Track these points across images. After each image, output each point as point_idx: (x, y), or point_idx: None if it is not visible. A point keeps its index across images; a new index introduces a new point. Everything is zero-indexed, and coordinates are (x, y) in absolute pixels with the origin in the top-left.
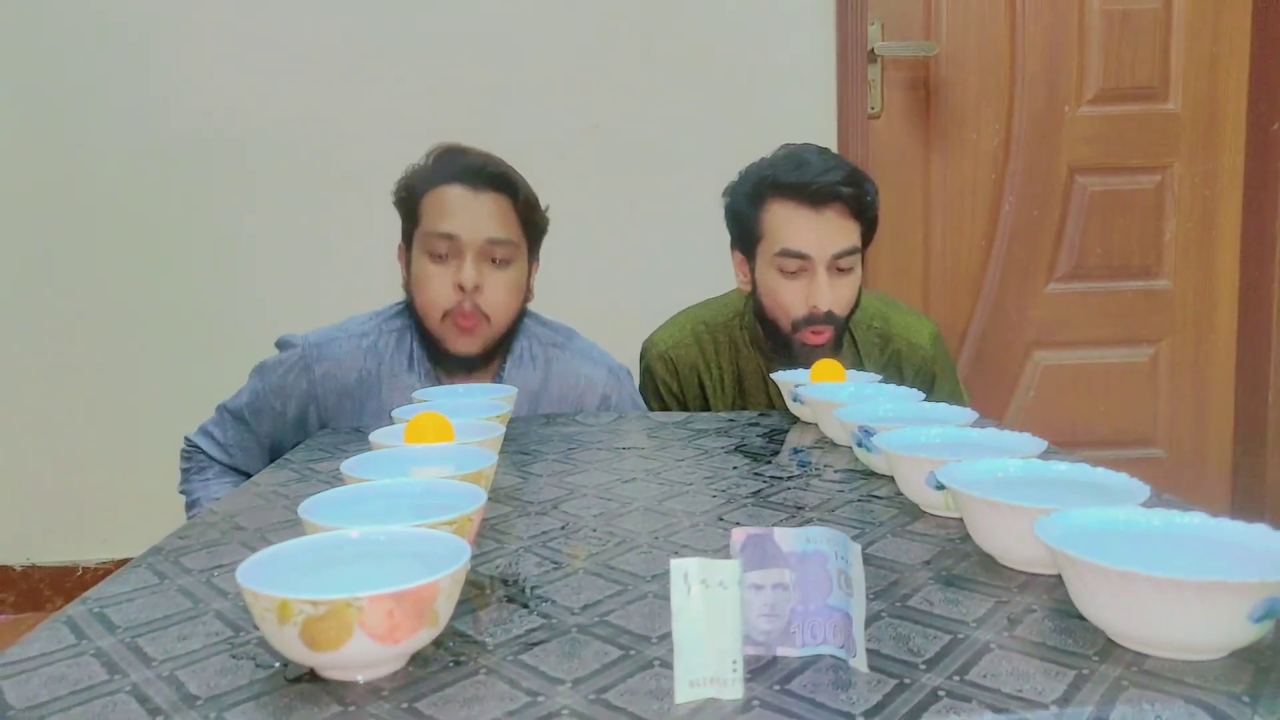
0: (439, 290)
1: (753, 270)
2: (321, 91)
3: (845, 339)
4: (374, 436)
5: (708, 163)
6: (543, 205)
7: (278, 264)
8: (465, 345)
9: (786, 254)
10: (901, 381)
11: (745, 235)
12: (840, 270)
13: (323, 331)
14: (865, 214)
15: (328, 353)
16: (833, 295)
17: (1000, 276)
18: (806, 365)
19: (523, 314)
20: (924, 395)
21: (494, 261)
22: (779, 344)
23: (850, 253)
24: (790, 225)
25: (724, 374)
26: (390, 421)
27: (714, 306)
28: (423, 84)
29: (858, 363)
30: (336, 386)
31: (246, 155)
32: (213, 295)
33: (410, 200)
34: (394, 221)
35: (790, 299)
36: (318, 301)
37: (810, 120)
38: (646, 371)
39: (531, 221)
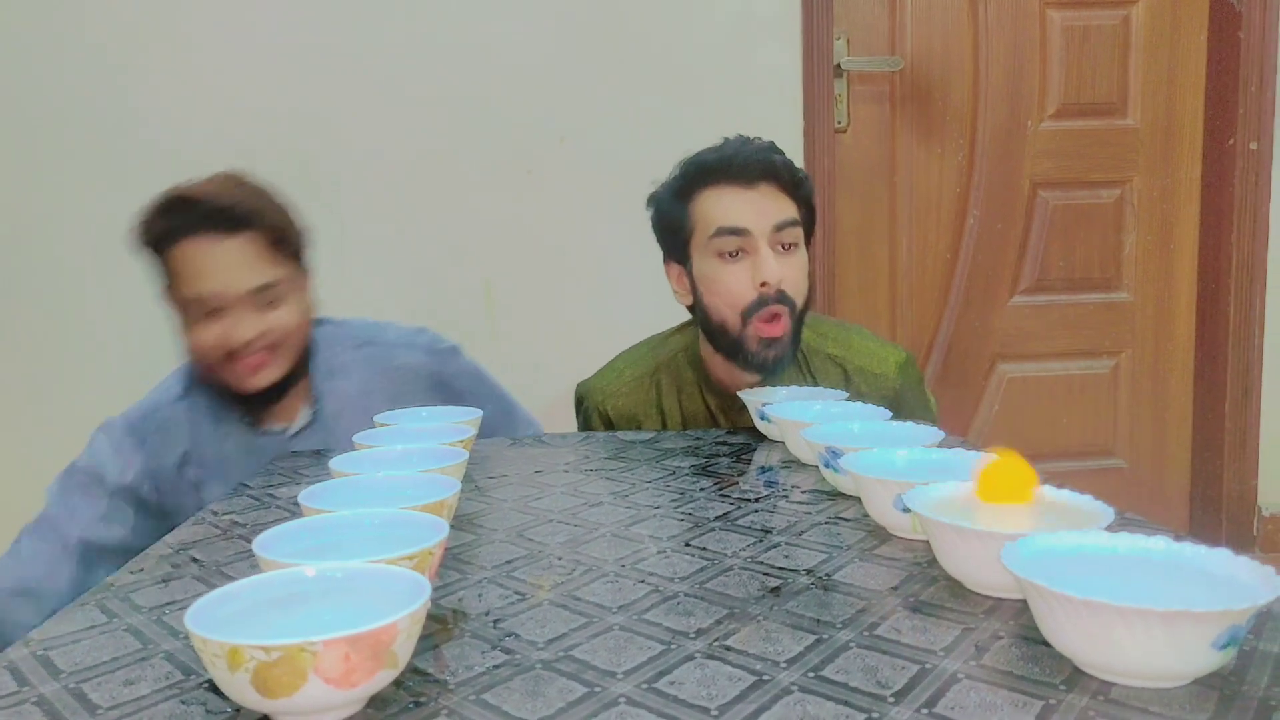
0: (213, 347)
1: (690, 275)
2: (283, 106)
3: (800, 364)
4: (335, 464)
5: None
6: (512, 220)
7: None
8: (260, 379)
9: (723, 232)
10: None
11: (676, 237)
12: (784, 247)
13: (130, 413)
14: (800, 191)
15: (156, 422)
16: (780, 270)
17: (965, 290)
18: (764, 367)
19: (310, 331)
20: (890, 415)
21: (267, 304)
22: (730, 351)
23: (791, 224)
24: (722, 205)
25: (666, 419)
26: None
27: (653, 346)
28: (384, 99)
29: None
30: (175, 457)
31: (215, 166)
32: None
33: (154, 251)
34: (365, 231)
35: (734, 283)
36: None
37: (777, 134)
38: (583, 420)
39: (289, 247)
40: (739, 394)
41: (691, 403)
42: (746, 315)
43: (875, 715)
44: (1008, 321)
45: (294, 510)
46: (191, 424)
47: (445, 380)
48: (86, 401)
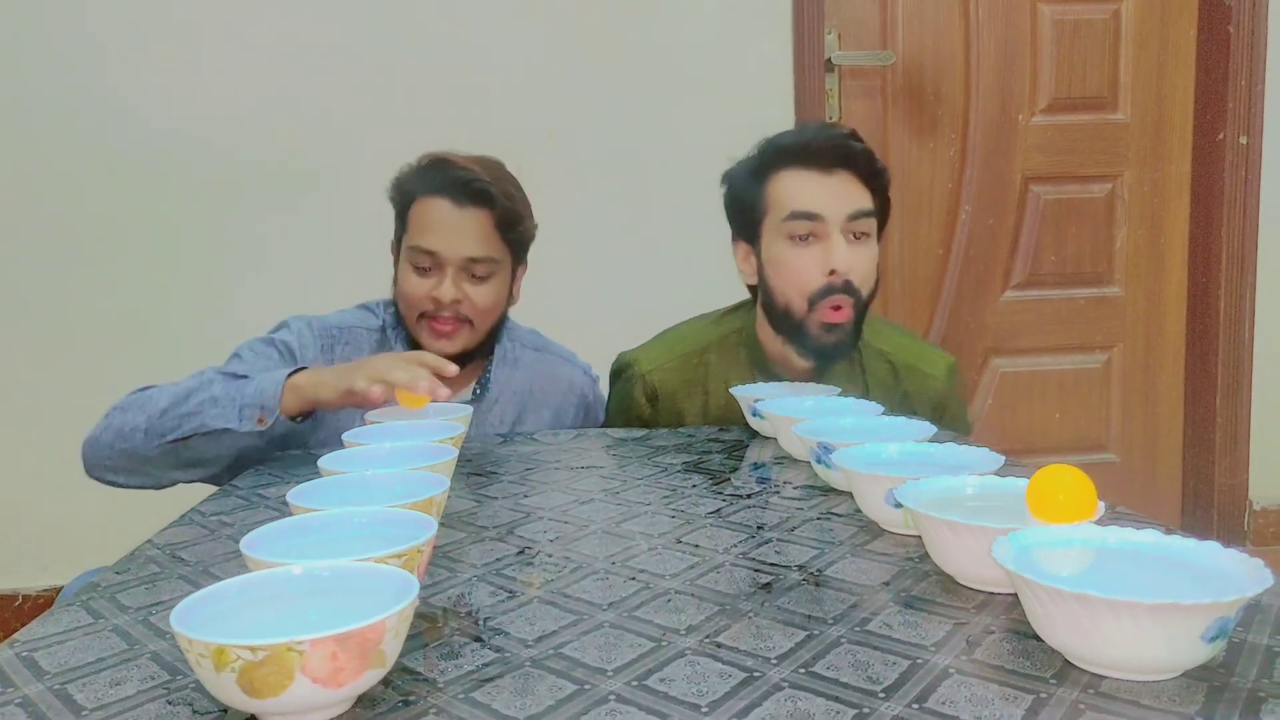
0: (418, 298)
1: (758, 255)
2: (273, 101)
3: (853, 360)
4: (323, 462)
5: (667, 171)
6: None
7: (236, 279)
8: (442, 346)
9: (796, 216)
10: (912, 414)
11: (748, 216)
12: (856, 236)
13: (333, 317)
14: (877, 181)
15: (350, 338)
16: (851, 259)
17: (957, 284)
18: (824, 353)
19: (504, 318)
20: (882, 410)
21: (474, 276)
22: (791, 334)
23: (866, 215)
24: (798, 188)
25: (709, 400)
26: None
27: (708, 325)
28: (375, 95)
29: (865, 390)
30: None
31: (211, 163)
32: (163, 310)
33: (401, 202)
34: (355, 226)
35: (804, 268)
36: (280, 317)
37: (767, 129)
38: (623, 389)
39: (514, 235)
40: (730, 391)
41: (740, 384)
42: (813, 301)
43: (866, 711)
44: (1000, 316)
45: (282, 510)
46: (375, 354)
47: (590, 404)
48: (82, 399)
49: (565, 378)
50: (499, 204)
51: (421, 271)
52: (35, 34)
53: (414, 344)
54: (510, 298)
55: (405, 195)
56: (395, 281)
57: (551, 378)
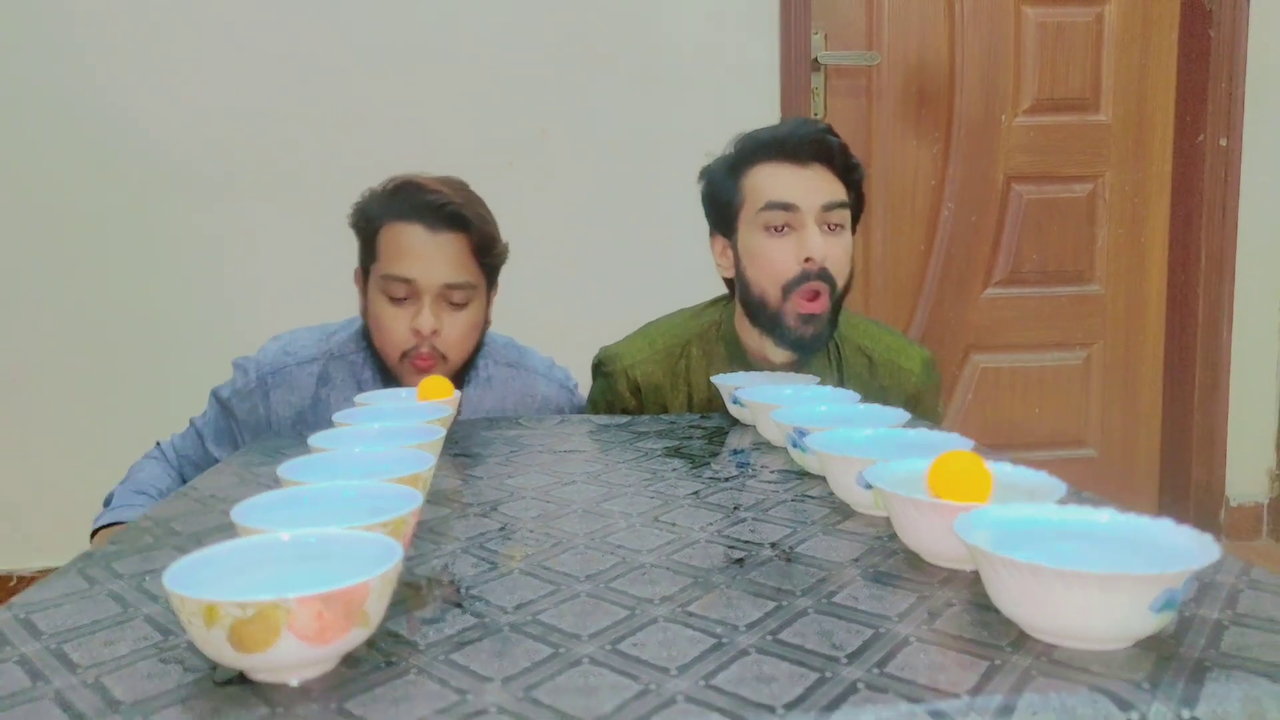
0: (397, 332)
1: (735, 248)
2: (263, 102)
3: (830, 354)
4: (314, 440)
5: (656, 169)
6: (493, 212)
7: (227, 274)
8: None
9: (772, 206)
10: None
11: (725, 210)
12: (831, 227)
13: (272, 354)
14: (851, 176)
15: (283, 379)
16: (825, 248)
17: (939, 281)
18: (800, 343)
19: (481, 343)
20: (859, 398)
21: (452, 304)
22: (768, 326)
23: (840, 206)
24: (774, 180)
25: (693, 392)
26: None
27: (687, 319)
28: (364, 94)
29: (841, 384)
30: (291, 414)
31: (204, 162)
32: (154, 303)
33: (367, 230)
34: (343, 230)
35: (779, 257)
36: (271, 313)
37: (754, 127)
38: (605, 383)
39: (489, 259)
40: (712, 379)
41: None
42: (787, 290)
43: (828, 675)
44: (981, 313)
45: (273, 487)
46: (315, 389)
47: (566, 417)
48: (77, 389)
49: (540, 394)
50: (474, 227)
51: (397, 301)
52: (29, 35)
53: (388, 374)
54: (485, 323)
55: (372, 222)
56: (363, 312)
57: (525, 395)
